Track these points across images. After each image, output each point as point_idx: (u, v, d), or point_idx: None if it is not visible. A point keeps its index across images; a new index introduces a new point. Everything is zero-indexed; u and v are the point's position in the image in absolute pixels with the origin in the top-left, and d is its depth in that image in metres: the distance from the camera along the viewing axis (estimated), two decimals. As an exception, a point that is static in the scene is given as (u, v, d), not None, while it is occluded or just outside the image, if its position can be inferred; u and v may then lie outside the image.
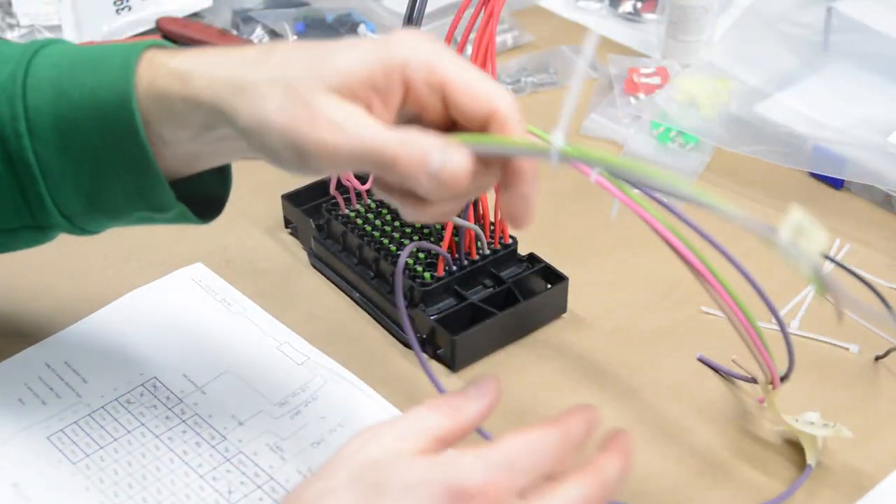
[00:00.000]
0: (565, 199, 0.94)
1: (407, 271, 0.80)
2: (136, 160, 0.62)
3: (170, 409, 0.75)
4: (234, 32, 1.13)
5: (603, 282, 0.86)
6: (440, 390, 0.75)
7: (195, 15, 1.15)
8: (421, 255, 0.82)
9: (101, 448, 0.72)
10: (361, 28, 1.13)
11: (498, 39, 1.13)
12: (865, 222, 0.92)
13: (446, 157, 0.55)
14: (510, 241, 0.83)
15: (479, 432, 0.69)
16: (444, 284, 0.80)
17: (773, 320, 0.67)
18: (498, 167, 0.58)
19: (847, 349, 0.81)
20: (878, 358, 0.80)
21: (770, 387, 0.71)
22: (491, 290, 0.82)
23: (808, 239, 0.55)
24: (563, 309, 0.83)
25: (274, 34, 1.13)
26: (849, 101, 1.00)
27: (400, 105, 0.57)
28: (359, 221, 0.85)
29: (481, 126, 0.57)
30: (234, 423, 0.74)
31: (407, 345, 0.80)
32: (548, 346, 0.81)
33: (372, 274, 0.83)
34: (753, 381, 0.76)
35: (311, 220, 0.87)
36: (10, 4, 1.13)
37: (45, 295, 0.83)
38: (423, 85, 0.56)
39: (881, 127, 0.96)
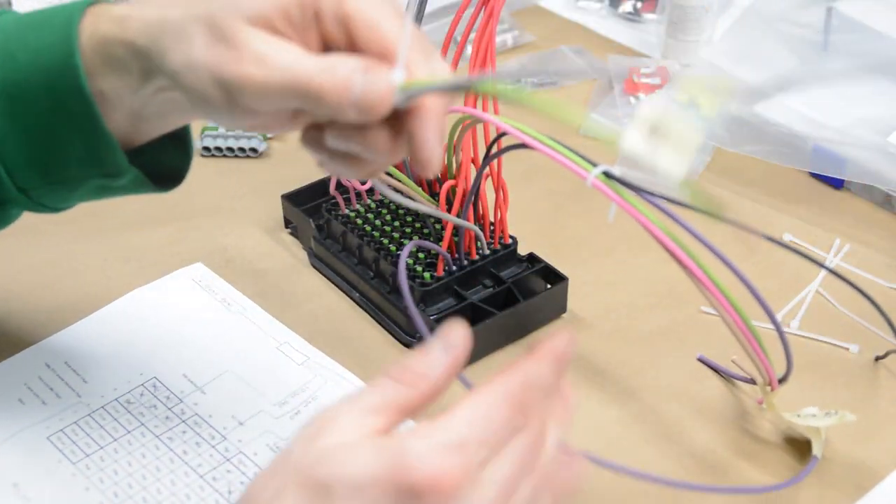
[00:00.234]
0: (565, 200, 0.94)
1: (407, 271, 0.80)
2: (83, 119, 0.61)
3: (170, 409, 0.75)
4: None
5: (603, 282, 0.86)
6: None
7: (195, 15, 1.15)
8: (421, 255, 0.82)
9: (101, 448, 0.72)
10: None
11: (498, 39, 1.13)
12: (865, 222, 0.92)
13: (367, 80, 0.54)
14: (510, 241, 0.83)
15: (461, 380, 0.67)
16: (443, 284, 0.80)
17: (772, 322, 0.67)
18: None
19: (847, 349, 0.81)
20: (878, 358, 0.80)
21: (768, 388, 0.71)
22: (491, 290, 0.82)
23: (668, 138, 0.48)
24: (563, 309, 0.83)
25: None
26: (849, 101, 1.00)
27: (318, 38, 0.57)
28: (359, 221, 0.85)
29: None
30: (234, 423, 0.74)
31: (407, 345, 0.80)
32: (548, 346, 0.81)
33: (372, 274, 0.83)
34: (753, 382, 0.76)
35: (311, 220, 0.87)
36: (10, 4, 1.13)
37: (45, 295, 0.83)
38: (332, 19, 0.56)
39: (881, 127, 0.96)
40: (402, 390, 0.52)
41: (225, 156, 0.99)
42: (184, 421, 0.74)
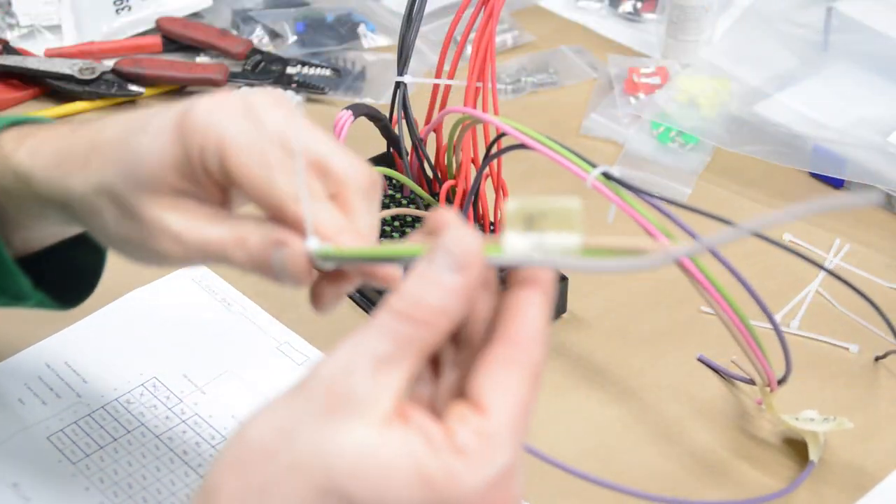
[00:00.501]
0: (565, 199, 0.94)
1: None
2: None
3: (170, 409, 0.75)
4: (234, 32, 1.13)
5: (603, 282, 0.86)
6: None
7: (195, 15, 1.15)
8: (421, 255, 0.82)
9: (101, 448, 0.72)
10: (361, 28, 1.13)
11: (498, 39, 1.12)
12: (865, 222, 0.92)
13: (282, 254, 0.52)
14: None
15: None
16: (443, 284, 0.80)
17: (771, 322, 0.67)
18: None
19: (847, 349, 0.81)
20: (878, 358, 0.80)
21: (767, 389, 0.71)
22: (491, 290, 0.82)
23: (547, 223, 0.45)
24: (563, 309, 0.83)
25: (274, 34, 1.13)
26: (849, 101, 1.00)
27: (220, 187, 0.54)
28: (359, 221, 0.85)
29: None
30: (234, 423, 0.74)
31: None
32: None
33: (372, 274, 0.83)
34: (752, 382, 0.76)
35: (311, 220, 0.87)
36: (9, 4, 1.13)
37: (45, 295, 0.83)
38: (221, 177, 0.53)
39: (881, 127, 0.96)
40: (416, 332, 0.44)
41: (225, 156, 0.99)
42: (184, 421, 0.74)
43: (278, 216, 0.52)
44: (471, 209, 0.80)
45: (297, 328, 0.81)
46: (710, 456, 0.73)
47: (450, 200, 0.80)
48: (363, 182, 0.54)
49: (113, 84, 1.05)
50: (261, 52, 1.09)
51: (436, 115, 0.81)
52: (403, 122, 0.82)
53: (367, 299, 0.83)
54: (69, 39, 1.12)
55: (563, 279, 0.82)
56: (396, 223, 0.84)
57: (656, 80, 1.05)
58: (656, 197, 0.63)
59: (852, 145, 0.95)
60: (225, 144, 0.52)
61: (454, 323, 0.45)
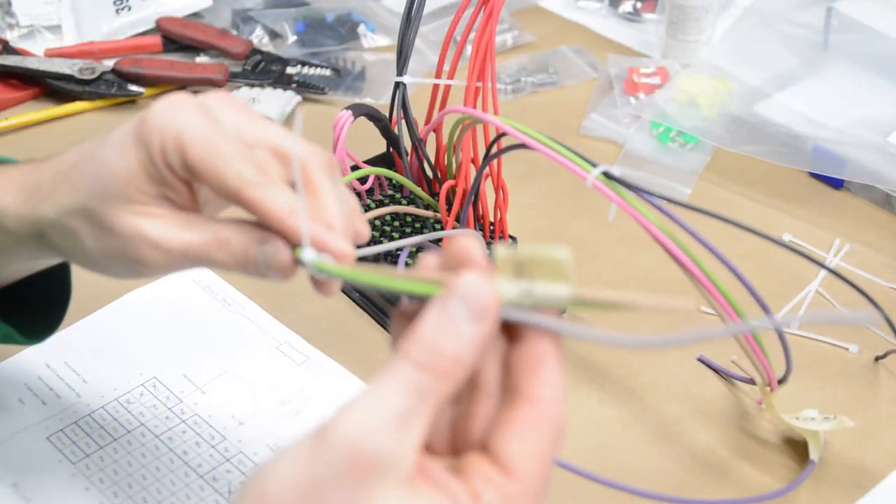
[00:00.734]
0: (565, 200, 0.94)
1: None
2: None
3: (170, 409, 0.75)
4: (234, 32, 1.13)
5: (603, 282, 0.86)
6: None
7: (195, 15, 1.15)
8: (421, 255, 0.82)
9: (101, 448, 0.72)
10: (361, 28, 1.13)
11: (498, 39, 1.12)
12: (865, 222, 0.92)
13: (265, 252, 0.53)
14: (510, 241, 0.83)
15: None
16: (443, 284, 0.80)
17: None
18: None
19: (847, 349, 0.81)
20: (877, 358, 0.80)
21: (768, 388, 0.71)
22: (491, 290, 0.81)
23: (537, 271, 0.45)
24: (563, 309, 0.83)
25: (274, 34, 1.13)
26: (849, 101, 1.00)
27: (183, 178, 0.55)
28: (359, 221, 0.85)
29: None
30: (234, 423, 0.74)
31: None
32: (548, 346, 0.81)
33: (372, 274, 0.83)
34: (752, 382, 0.76)
35: (310, 220, 0.87)
36: (9, 4, 1.13)
37: (45, 295, 0.83)
38: (183, 171, 0.54)
39: (881, 127, 0.96)
40: (435, 384, 0.43)
41: (225, 156, 0.99)
42: (184, 421, 0.74)
43: (239, 201, 0.53)
44: (471, 209, 0.80)
45: (297, 328, 0.81)
46: (710, 456, 0.73)
47: (450, 200, 0.80)
48: (322, 162, 0.55)
49: (113, 84, 1.05)
50: (261, 52, 1.09)
51: (436, 115, 0.81)
52: (403, 122, 0.82)
53: (368, 299, 0.83)
54: (69, 39, 1.12)
55: (563, 279, 0.82)
56: (396, 223, 0.84)
57: (656, 80, 1.05)
58: (657, 196, 0.63)
59: (852, 145, 0.95)
60: (183, 140, 0.53)
61: (470, 372, 0.45)
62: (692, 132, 0.99)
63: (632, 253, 0.88)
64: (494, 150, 0.76)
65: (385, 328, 0.82)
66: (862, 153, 0.94)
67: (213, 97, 0.56)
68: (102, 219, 0.54)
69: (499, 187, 0.81)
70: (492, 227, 0.83)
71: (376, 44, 1.13)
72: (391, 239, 0.83)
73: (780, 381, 0.71)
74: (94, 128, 1.02)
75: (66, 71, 1.04)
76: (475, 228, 0.81)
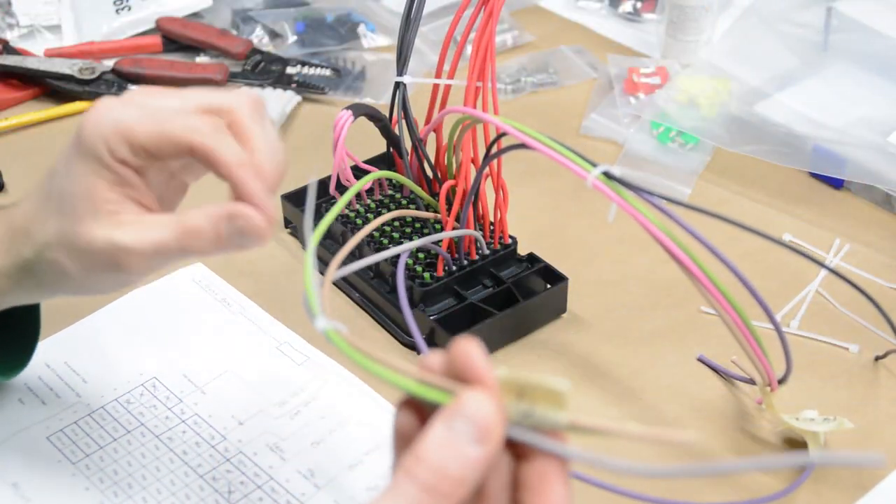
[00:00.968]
0: (565, 200, 0.94)
1: (407, 271, 0.80)
2: None
3: (170, 409, 0.75)
4: (234, 32, 1.13)
5: (603, 282, 0.86)
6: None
7: (195, 15, 1.15)
8: (421, 255, 0.82)
9: (101, 448, 0.72)
10: (361, 28, 1.13)
11: (498, 39, 1.13)
12: (865, 222, 0.92)
13: (236, 227, 0.56)
14: (510, 241, 0.83)
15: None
16: (443, 284, 0.80)
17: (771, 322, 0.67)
18: None
19: (847, 349, 0.81)
20: (877, 358, 0.80)
21: (768, 388, 0.71)
22: (490, 290, 0.82)
23: (537, 397, 0.45)
24: (563, 309, 0.83)
25: (274, 34, 1.13)
26: (849, 101, 1.00)
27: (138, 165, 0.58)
28: (359, 222, 0.85)
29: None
30: (234, 423, 0.74)
31: (407, 345, 0.80)
32: (547, 347, 0.81)
33: (372, 274, 0.83)
34: (752, 382, 0.76)
35: (310, 220, 0.87)
36: (9, 4, 1.13)
37: (45, 295, 0.83)
38: (133, 156, 0.57)
39: (881, 127, 0.96)
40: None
41: (225, 156, 0.99)
42: (184, 421, 0.74)
43: (193, 152, 0.56)
44: (471, 209, 0.80)
45: (297, 328, 0.81)
46: (710, 456, 0.73)
47: (450, 200, 0.80)
48: (247, 104, 0.58)
49: (113, 84, 1.05)
50: (261, 52, 1.09)
51: (436, 115, 0.81)
52: (403, 122, 0.82)
53: (368, 299, 0.83)
54: (69, 39, 1.12)
55: (563, 279, 0.82)
56: (396, 223, 0.84)
57: (656, 80, 1.05)
58: (657, 196, 0.63)
59: (852, 145, 0.95)
60: (123, 127, 0.56)
61: (474, 490, 0.45)
62: (692, 132, 0.99)
63: (632, 253, 0.88)
64: (494, 150, 0.76)
65: (385, 328, 0.82)
66: (862, 153, 0.94)
67: (133, 90, 0.59)
68: (77, 241, 0.57)
69: (499, 187, 0.81)
70: (492, 227, 0.83)
71: (376, 44, 1.13)
72: (391, 239, 0.83)
73: (780, 382, 0.71)
74: (94, 128, 1.02)
75: (66, 71, 1.04)
76: (475, 228, 0.81)
